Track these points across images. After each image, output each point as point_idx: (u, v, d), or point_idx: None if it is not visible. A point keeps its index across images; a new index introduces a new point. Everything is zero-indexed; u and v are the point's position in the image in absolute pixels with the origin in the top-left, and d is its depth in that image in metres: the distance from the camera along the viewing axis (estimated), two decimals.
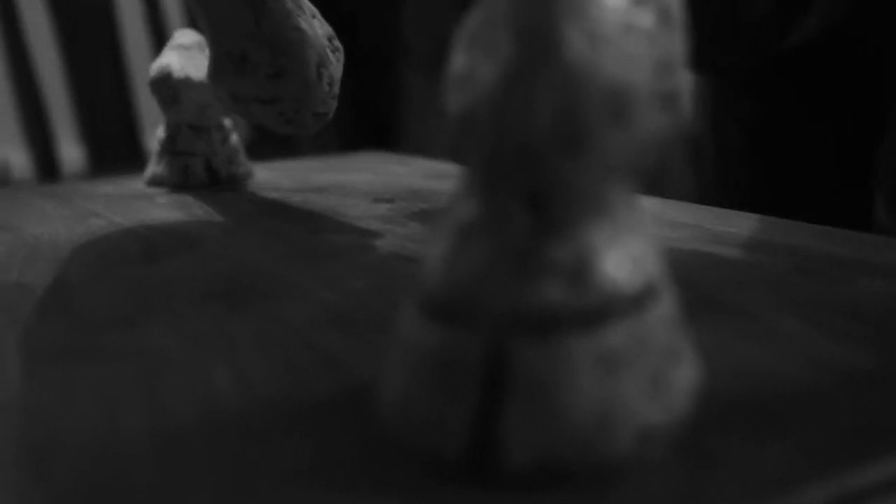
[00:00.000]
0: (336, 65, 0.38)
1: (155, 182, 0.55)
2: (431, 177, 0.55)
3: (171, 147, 0.55)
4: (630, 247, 0.17)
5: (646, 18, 0.18)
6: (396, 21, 1.27)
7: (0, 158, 1.80)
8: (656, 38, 0.18)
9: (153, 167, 0.56)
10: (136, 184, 0.57)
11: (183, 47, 0.52)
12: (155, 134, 0.57)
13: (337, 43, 0.39)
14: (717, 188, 0.70)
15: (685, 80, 0.19)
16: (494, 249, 0.17)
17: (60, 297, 0.31)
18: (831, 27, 0.58)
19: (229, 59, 0.37)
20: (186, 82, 0.51)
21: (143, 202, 0.50)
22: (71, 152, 1.69)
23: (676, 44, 0.18)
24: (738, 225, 0.37)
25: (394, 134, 1.22)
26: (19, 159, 1.85)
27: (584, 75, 0.16)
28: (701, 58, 0.66)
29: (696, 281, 0.29)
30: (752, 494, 0.15)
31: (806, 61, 0.62)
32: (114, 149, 1.79)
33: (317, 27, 0.37)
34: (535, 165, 0.17)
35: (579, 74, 0.16)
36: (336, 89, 0.38)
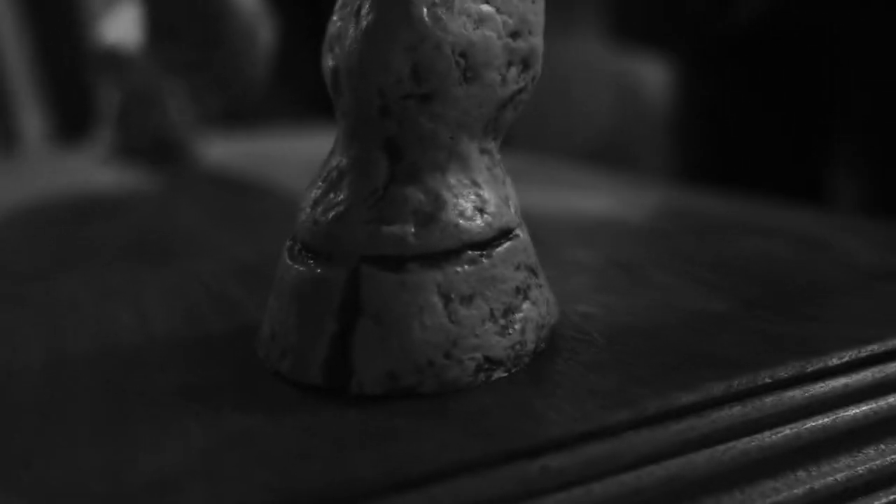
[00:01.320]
0: (265, 32, 0.39)
1: (106, 152, 0.56)
2: None
3: (121, 117, 0.56)
4: (482, 193, 0.19)
5: None
6: None
7: None
8: (509, 5, 0.19)
9: (104, 136, 0.58)
10: (86, 154, 0.58)
11: (127, 18, 0.53)
12: (108, 104, 0.58)
13: (265, 10, 0.40)
14: (679, 164, 0.72)
15: (540, 44, 0.20)
16: (355, 192, 0.19)
17: None
18: (769, 10, 0.60)
19: (163, 28, 0.38)
20: (131, 55, 0.52)
21: (88, 172, 0.51)
22: (30, 117, 1.69)
23: (532, 13, 0.20)
24: (653, 194, 0.39)
25: None
26: None
27: (433, 35, 0.18)
28: (654, 36, 0.67)
29: (595, 240, 0.31)
30: (576, 413, 0.17)
31: (756, 42, 0.63)
32: (71, 110, 1.79)
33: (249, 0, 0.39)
34: (392, 116, 0.18)
35: (430, 34, 0.18)
36: (264, 57, 0.40)
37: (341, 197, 0.19)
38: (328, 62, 0.20)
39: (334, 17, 0.20)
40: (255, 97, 0.41)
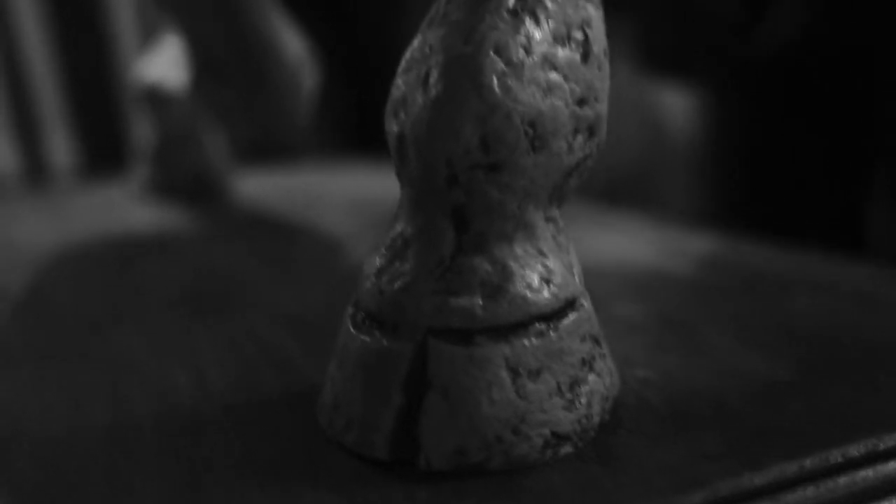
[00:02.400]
0: (309, 77, 0.40)
1: (141, 188, 0.57)
2: None
3: (158, 154, 0.57)
4: (548, 264, 0.19)
5: (567, 55, 0.19)
6: (396, 23, 1.28)
7: None
8: (578, 72, 0.19)
9: (140, 173, 0.58)
10: (120, 189, 0.58)
11: (170, 57, 0.54)
12: (142, 139, 0.59)
13: (310, 57, 0.40)
14: (707, 198, 0.71)
15: (605, 110, 0.20)
16: (421, 262, 0.18)
17: (35, 300, 0.32)
18: (796, 36, 0.59)
19: (208, 70, 0.39)
20: (174, 95, 0.52)
21: (125, 210, 0.51)
22: (58, 146, 1.71)
23: (599, 80, 0.20)
24: (698, 241, 0.38)
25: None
26: (2, 152, 1.87)
27: (503, 104, 0.18)
28: (683, 66, 0.67)
29: (645, 295, 0.30)
30: (647, 493, 0.17)
31: (787, 70, 0.62)
32: (100, 142, 1.81)
33: (292, 42, 0.39)
34: (460, 186, 0.18)
35: (500, 104, 0.18)
36: (309, 100, 0.40)
37: (407, 266, 0.19)
38: (393, 127, 0.20)
39: (398, 81, 0.20)
40: (295, 140, 0.41)
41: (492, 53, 0.18)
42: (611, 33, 0.22)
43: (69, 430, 0.21)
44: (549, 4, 0.19)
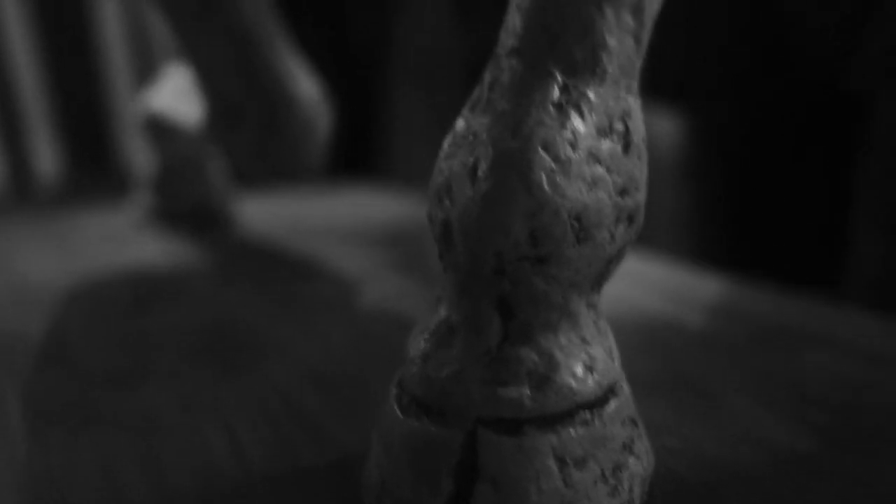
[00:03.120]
0: (324, 122, 0.40)
1: (143, 216, 0.57)
2: (412, 218, 0.57)
3: (161, 182, 0.57)
4: (591, 351, 0.19)
5: (610, 147, 0.20)
6: (388, 30, 1.27)
7: None
8: (619, 164, 0.20)
9: (143, 201, 0.58)
10: (123, 217, 0.58)
11: (176, 87, 0.54)
12: (145, 166, 0.59)
13: (324, 100, 0.41)
14: (692, 229, 0.72)
15: (644, 198, 0.21)
16: (468, 350, 0.19)
17: (57, 349, 0.32)
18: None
19: (224, 116, 0.39)
20: (178, 126, 0.53)
21: (131, 241, 0.51)
22: (43, 153, 1.71)
23: (638, 169, 0.20)
24: (705, 287, 0.39)
25: (383, 149, 1.23)
26: None
27: (552, 201, 0.18)
28: (681, 94, 0.67)
29: (659, 349, 0.31)
30: None
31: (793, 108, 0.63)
32: (89, 152, 1.80)
33: (306, 84, 0.39)
34: (507, 276, 0.19)
35: (549, 201, 0.18)
36: (324, 144, 0.40)
37: (454, 354, 0.19)
38: (437, 213, 0.20)
39: (441, 165, 0.21)
40: (309, 180, 0.42)
41: (540, 150, 0.19)
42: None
43: (108, 502, 0.21)
44: (592, 97, 0.20)
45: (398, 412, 0.20)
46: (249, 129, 0.39)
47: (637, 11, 0.21)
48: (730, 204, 0.67)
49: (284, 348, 0.32)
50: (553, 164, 0.19)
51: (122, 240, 0.52)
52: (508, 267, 0.19)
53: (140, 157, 1.83)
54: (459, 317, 0.20)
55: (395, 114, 1.21)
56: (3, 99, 1.63)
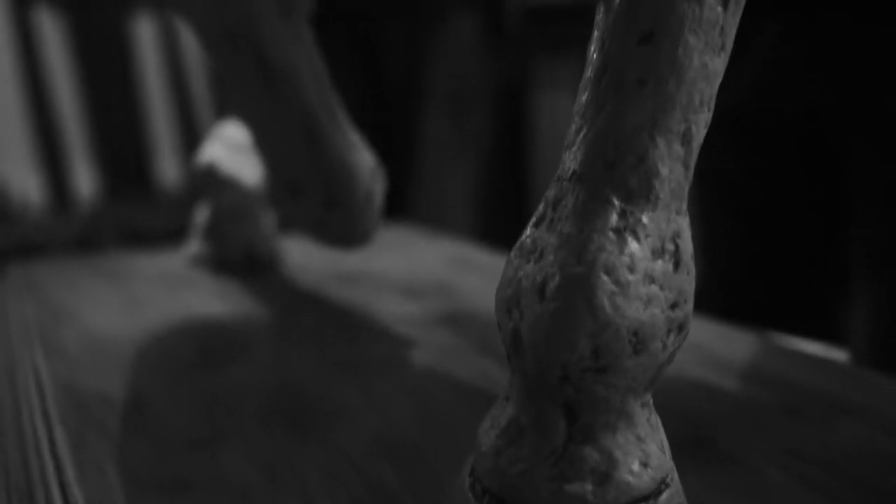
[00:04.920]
0: (379, 192, 0.43)
1: (195, 261, 0.60)
2: (456, 264, 0.59)
3: (211, 229, 0.60)
4: (646, 448, 0.22)
5: (663, 266, 0.22)
6: (418, 60, 1.29)
7: None
8: (671, 281, 0.22)
9: (193, 246, 0.61)
10: (175, 261, 0.61)
11: (232, 143, 0.57)
12: (197, 214, 0.62)
13: (379, 171, 0.43)
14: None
15: (691, 308, 0.23)
16: (537, 450, 0.21)
17: (137, 412, 0.35)
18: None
19: (286, 187, 0.42)
20: (232, 181, 0.55)
21: (187, 288, 0.54)
22: (81, 176, 1.75)
23: (687, 283, 0.23)
24: (737, 348, 0.41)
25: (413, 182, 1.25)
26: (27, 182, 1.91)
27: (613, 322, 0.21)
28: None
29: (693, 417, 0.33)
30: None
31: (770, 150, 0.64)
32: (125, 174, 1.85)
33: (365, 160, 0.42)
34: (571, 384, 0.21)
35: (610, 322, 0.21)
36: (379, 214, 0.43)
37: (524, 453, 0.22)
38: (507, 322, 0.23)
39: (508, 275, 0.23)
40: (365, 246, 0.44)
41: (602, 275, 0.21)
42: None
43: None
44: (646, 222, 0.22)
45: (472, 500, 0.22)
46: (309, 202, 0.41)
47: (686, 141, 0.23)
48: (733, 245, 0.69)
49: (349, 414, 0.34)
50: (614, 287, 0.21)
51: (180, 286, 0.54)
52: (573, 377, 0.21)
53: (174, 179, 1.87)
54: (528, 419, 0.22)
55: (424, 143, 1.24)
56: (43, 121, 1.68)
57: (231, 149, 0.57)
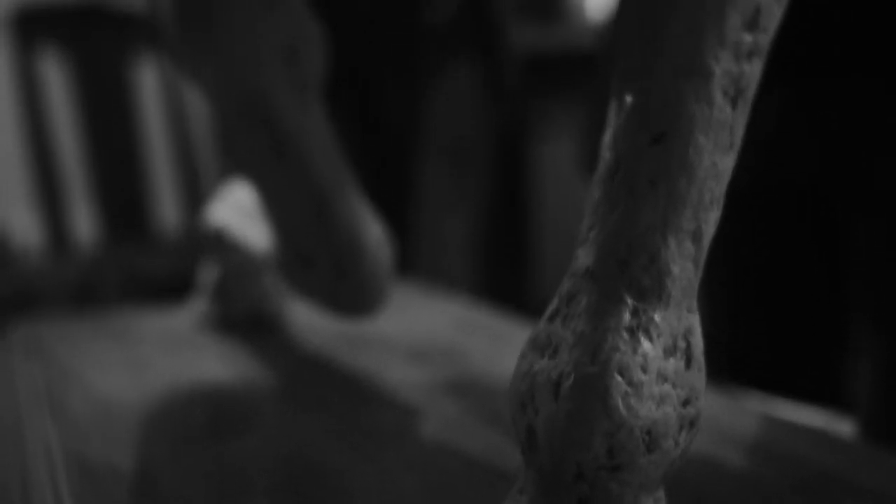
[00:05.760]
0: (388, 264, 0.43)
1: (202, 320, 0.60)
2: (461, 326, 0.60)
3: (218, 289, 0.60)
4: None
5: (675, 364, 0.22)
6: (419, 114, 1.30)
7: None
8: (683, 378, 0.22)
9: (200, 304, 0.61)
10: (181, 319, 0.61)
11: (240, 207, 0.58)
12: (203, 273, 0.62)
13: (388, 242, 0.44)
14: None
15: (703, 404, 0.23)
16: None
17: (147, 484, 0.35)
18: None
19: (297, 259, 0.42)
20: (240, 245, 0.56)
21: (193, 349, 0.54)
22: (81, 219, 1.76)
23: (698, 380, 0.23)
24: (743, 421, 0.42)
25: (412, 232, 1.26)
26: (27, 225, 1.92)
27: (627, 422, 0.21)
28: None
29: (702, 497, 0.33)
30: None
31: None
32: (125, 218, 1.86)
33: (375, 232, 0.42)
34: (585, 481, 0.22)
35: (624, 422, 0.21)
36: (388, 285, 0.44)
37: None
38: (521, 418, 0.23)
39: (522, 368, 0.23)
40: (374, 317, 0.45)
41: (616, 375, 0.22)
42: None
43: None
44: (658, 321, 0.23)
45: None
46: (319, 274, 0.42)
47: (697, 239, 0.24)
48: (735, 308, 0.69)
49: (357, 488, 0.35)
50: (628, 388, 0.21)
51: (186, 348, 0.55)
52: (588, 475, 0.22)
53: (174, 223, 1.88)
54: None
55: (423, 194, 1.25)
56: (43, 164, 1.69)
57: (239, 213, 0.58)
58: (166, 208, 1.88)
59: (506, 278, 1.84)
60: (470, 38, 1.25)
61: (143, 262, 1.77)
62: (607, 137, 0.25)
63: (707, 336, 0.67)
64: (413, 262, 1.20)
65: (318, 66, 0.43)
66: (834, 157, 0.60)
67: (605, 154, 0.25)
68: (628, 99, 0.25)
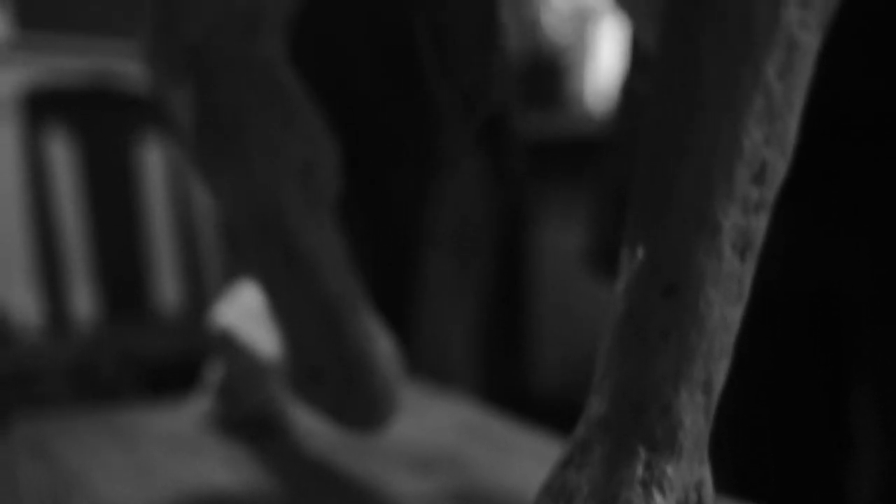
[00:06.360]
0: (397, 379, 0.44)
1: (205, 420, 0.60)
2: (466, 432, 0.60)
3: (223, 389, 0.60)
4: None
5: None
6: (424, 204, 1.31)
7: None
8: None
9: (204, 403, 0.62)
10: (184, 419, 0.62)
11: (246, 308, 0.58)
12: (208, 372, 0.63)
13: (397, 357, 0.45)
14: None
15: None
16: None
17: None
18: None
19: (307, 372, 0.43)
20: (246, 347, 0.56)
21: (196, 453, 0.54)
22: (81, 298, 1.76)
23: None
24: None
25: (415, 323, 1.26)
26: (24, 301, 1.92)
27: None
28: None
29: None
30: None
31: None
32: (125, 298, 1.86)
33: (385, 347, 0.43)
34: None
35: None
36: (397, 399, 0.44)
37: None
38: None
39: (555, 480, 0.24)
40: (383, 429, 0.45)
41: None
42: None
43: None
44: (670, 474, 0.23)
45: None
46: (328, 388, 0.42)
47: (707, 390, 0.24)
48: (737, 413, 0.69)
49: None
50: None
51: (189, 451, 0.55)
52: None
53: (174, 304, 1.88)
54: None
55: (427, 284, 1.25)
56: (45, 243, 1.70)
57: (246, 314, 0.58)
58: (167, 289, 1.89)
59: (505, 366, 1.84)
60: (483, 131, 1.27)
61: (142, 343, 1.77)
62: (619, 286, 0.26)
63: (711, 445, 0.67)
64: (414, 352, 1.20)
65: (332, 182, 0.44)
66: (841, 265, 0.61)
67: (618, 303, 0.26)
68: (640, 249, 0.25)
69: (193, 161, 0.44)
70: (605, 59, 2.27)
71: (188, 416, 0.63)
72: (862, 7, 0.50)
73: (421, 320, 1.22)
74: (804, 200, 0.61)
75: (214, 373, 0.61)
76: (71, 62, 2.12)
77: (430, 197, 1.24)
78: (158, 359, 1.77)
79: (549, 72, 2.30)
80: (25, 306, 1.90)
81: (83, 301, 1.83)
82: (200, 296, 1.83)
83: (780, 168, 0.26)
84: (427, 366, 1.05)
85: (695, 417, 0.24)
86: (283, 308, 0.43)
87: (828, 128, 0.58)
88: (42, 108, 1.75)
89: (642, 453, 0.23)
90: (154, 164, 1.86)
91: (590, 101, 2.28)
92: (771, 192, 0.26)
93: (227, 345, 0.58)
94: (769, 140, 0.26)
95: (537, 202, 2.02)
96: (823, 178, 0.60)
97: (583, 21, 2.34)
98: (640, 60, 0.74)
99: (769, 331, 0.65)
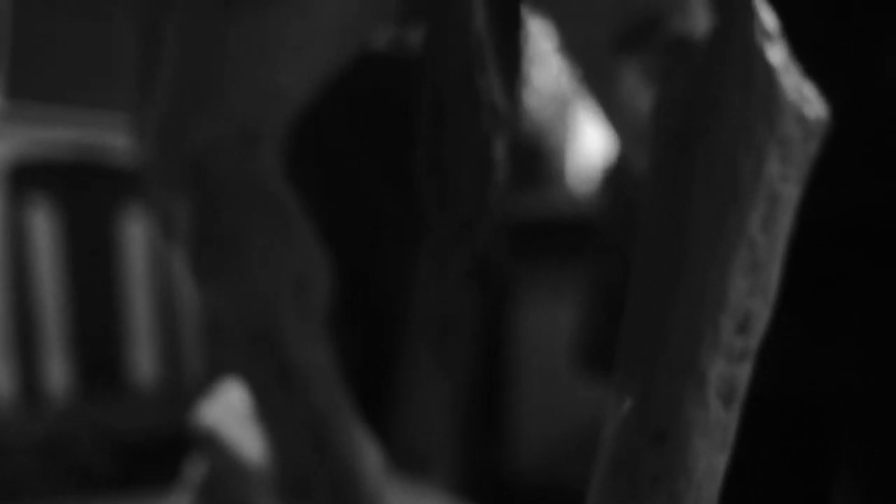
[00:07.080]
0: (384, 494, 0.44)
1: None
2: None
3: (204, 487, 0.60)
4: None
5: None
6: (406, 288, 1.32)
7: None
8: None
9: (183, 500, 0.61)
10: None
11: (231, 408, 0.58)
12: (189, 469, 0.62)
13: (386, 471, 0.45)
14: None
15: None
16: None
17: None
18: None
19: (293, 485, 0.43)
20: (230, 448, 0.56)
21: None
22: (54, 371, 1.74)
23: None
24: None
25: (395, 406, 1.26)
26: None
27: None
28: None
29: None
30: None
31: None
32: (100, 371, 1.84)
33: (373, 460, 0.43)
34: None
35: None
36: None
37: None
38: None
39: None
40: None
41: None
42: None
43: None
44: None
45: None
46: (315, 500, 0.42)
47: None
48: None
49: None
50: None
51: None
52: None
53: (150, 378, 1.87)
54: None
55: (407, 368, 1.26)
56: (21, 314, 1.69)
57: (231, 414, 0.58)
58: (144, 364, 1.87)
59: (486, 449, 1.83)
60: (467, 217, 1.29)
61: (117, 418, 1.75)
62: (608, 431, 0.27)
63: None
64: (394, 437, 1.20)
65: (325, 296, 0.44)
66: (832, 373, 0.62)
67: (607, 448, 0.26)
68: (629, 397, 0.26)
69: (189, 269, 0.44)
70: (586, 140, 2.30)
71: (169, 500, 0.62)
72: (853, 125, 0.52)
73: (401, 406, 1.23)
74: (795, 308, 0.62)
75: (196, 469, 0.61)
76: (57, 134, 2.13)
77: (411, 284, 1.25)
78: (134, 432, 1.75)
79: (531, 152, 2.33)
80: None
81: (57, 373, 1.81)
82: (178, 371, 1.82)
83: (763, 316, 0.27)
84: (407, 450, 1.05)
85: None
86: (272, 417, 0.43)
87: (819, 236, 0.59)
88: (26, 179, 1.75)
89: None
90: (136, 237, 1.86)
91: (572, 181, 2.31)
92: (755, 341, 0.27)
93: (211, 443, 0.58)
94: (753, 291, 0.27)
95: (519, 282, 2.03)
96: (816, 286, 0.62)
97: (564, 102, 2.38)
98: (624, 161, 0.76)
99: (755, 437, 0.66)
